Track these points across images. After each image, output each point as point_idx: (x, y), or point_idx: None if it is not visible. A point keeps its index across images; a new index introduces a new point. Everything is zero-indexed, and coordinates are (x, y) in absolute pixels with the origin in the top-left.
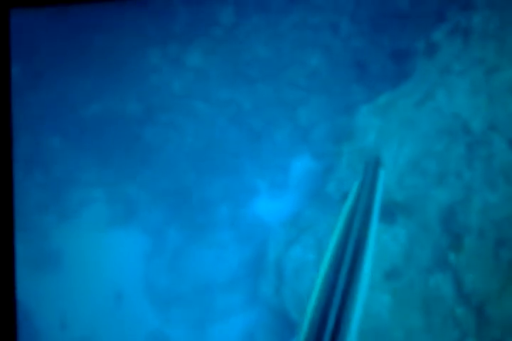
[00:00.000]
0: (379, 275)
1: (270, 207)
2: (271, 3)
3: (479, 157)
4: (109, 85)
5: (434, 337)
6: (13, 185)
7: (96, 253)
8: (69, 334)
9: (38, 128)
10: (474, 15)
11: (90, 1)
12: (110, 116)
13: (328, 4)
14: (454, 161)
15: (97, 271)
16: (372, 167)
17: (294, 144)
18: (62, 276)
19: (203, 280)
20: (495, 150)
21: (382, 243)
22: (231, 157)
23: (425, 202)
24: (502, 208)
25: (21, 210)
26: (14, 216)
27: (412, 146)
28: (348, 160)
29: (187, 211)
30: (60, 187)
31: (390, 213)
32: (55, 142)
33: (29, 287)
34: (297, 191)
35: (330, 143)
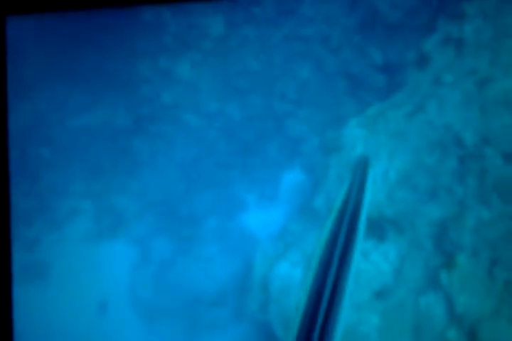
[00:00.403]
0: (368, 295)
1: (259, 220)
2: (261, 15)
3: (472, 171)
4: (100, 96)
5: None
6: (8, 194)
7: (83, 265)
8: None
9: (26, 138)
10: (466, 24)
11: (85, 9)
12: (100, 127)
13: (319, 16)
14: (446, 175)
15: (83, 282)
16: (361, 167)
17: (284, 157)
18: (48, 287)
19: (190, 294)
20: (488, 164)
21: (371, 261)
22: (220, 169)
23: (416, 218)
24: (496, 225)
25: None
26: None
27: (402, 159)
28: (336, 173)
29: (175, 223)
30: (48, 197)
31: (380, 229)
32: (44, 152)
33: (15, 297)
34: (286, 204)
35: (320, 155)
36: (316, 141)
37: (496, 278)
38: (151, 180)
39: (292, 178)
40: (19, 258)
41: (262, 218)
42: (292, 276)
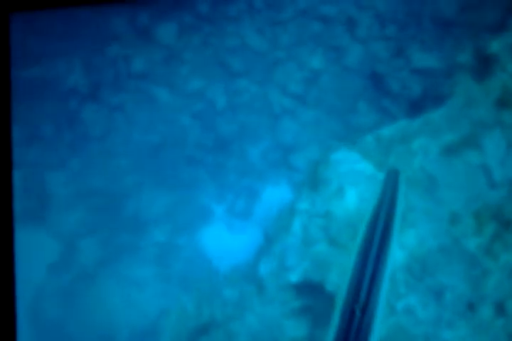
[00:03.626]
0: None
1: (220, 242)
2: None
3: None
4: (57, 46)
5: None
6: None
7: None
8: None
9: None
10: None
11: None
12: (48, 84)
13: None
14: None
15: None
16: (393, 177)
17: (269, 165)
18: None
19: (104, 326)
20: None
21: None
22: (186, 165)
23: None
24: None
25: None
26: None
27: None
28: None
29: (112, 224)
30: None
31: None
32: None
33: None
34: (260, 228)
35: (313, 171)
36: (314, 153)
37: None
38: (97, 162)
39: (275, 194)
40: None
41: (225, 241)
42: None
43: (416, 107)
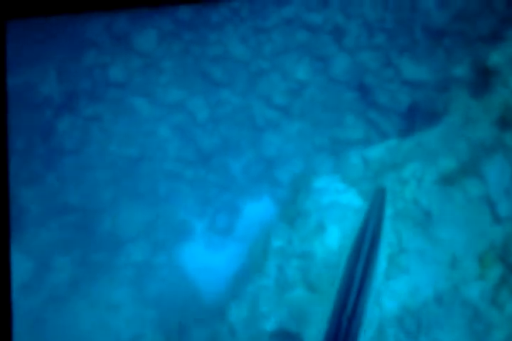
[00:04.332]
0: None
1: (201, 260)
2: None
3: None
4: (32, 53)
5: None
6: None
7: None
8: None
9: None
10: None
11: None
12: (21, 94)
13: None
14: None
15: None
16: (379, 199)
17: (252, 180)
18: None
19: None
20: None
21: None
22: (165, 179)
23: None
24: None
25: None
26: None
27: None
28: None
29: (87, 241)
30: None
31: None
32: None
33: None
34: (243, 243)
35: (295, 190)
36: (298, 167)
37: None
38: (72, 176)
39: (257, 210)
40: None
41: (204, 258)
42: None
43: (406, 122)
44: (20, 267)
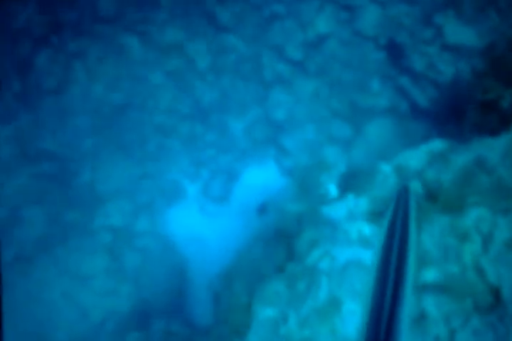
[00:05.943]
0: None
1: (192, 228)
2: None
3: None
4: None
5: None
6: None
7: None
8: None
9: None
10: None
11: None
12: None
13: None
14: None
15: None
16: (404, 193)
17: (256, 143)
18: None
19: (39, 323)
20: None
21: None
22: (155, 133)
23: None
24: None
25: None
26: None
27: None
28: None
29: (61, 197)
30: None
31: None
32: None
33: None
34: (240, 214)
35: (306, 156)
36: (309, 134)
37: None
38: (50, 120)
39: (258, 178)
40: None
41: (196, 227)
42: None
43: (446, 98)
44: None
